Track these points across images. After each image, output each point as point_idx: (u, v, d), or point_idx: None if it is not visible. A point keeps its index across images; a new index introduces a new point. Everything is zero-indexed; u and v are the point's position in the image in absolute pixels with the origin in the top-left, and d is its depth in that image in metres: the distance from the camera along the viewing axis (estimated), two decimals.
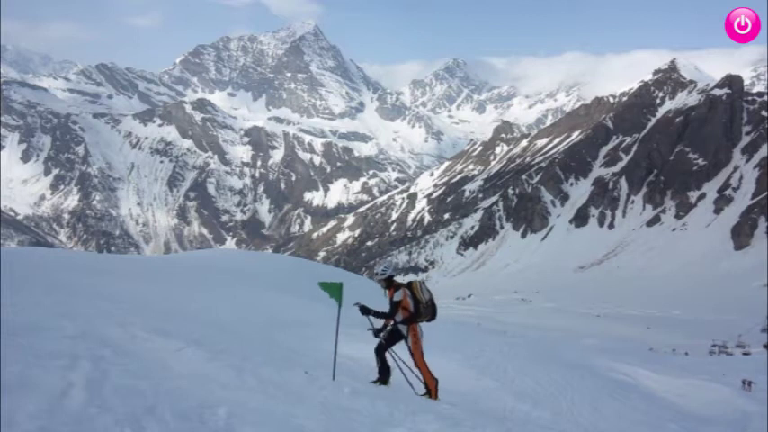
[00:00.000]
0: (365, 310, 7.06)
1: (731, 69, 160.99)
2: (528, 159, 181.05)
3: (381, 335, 6.95)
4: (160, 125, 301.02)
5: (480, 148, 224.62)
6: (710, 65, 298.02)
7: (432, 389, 6.99)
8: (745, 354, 42.42)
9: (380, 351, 7.01)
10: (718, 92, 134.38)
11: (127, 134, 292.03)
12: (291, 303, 15.30)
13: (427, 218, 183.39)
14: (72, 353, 4.55)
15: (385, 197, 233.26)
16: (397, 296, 6.83)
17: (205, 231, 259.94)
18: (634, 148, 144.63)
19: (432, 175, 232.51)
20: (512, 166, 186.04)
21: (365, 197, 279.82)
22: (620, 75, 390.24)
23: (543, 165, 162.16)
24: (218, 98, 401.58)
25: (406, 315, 6.89)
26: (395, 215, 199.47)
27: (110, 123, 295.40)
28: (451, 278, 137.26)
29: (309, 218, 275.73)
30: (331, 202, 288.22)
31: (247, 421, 4.01)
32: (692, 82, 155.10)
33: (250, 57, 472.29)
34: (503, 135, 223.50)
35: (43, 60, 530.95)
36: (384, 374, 7.04)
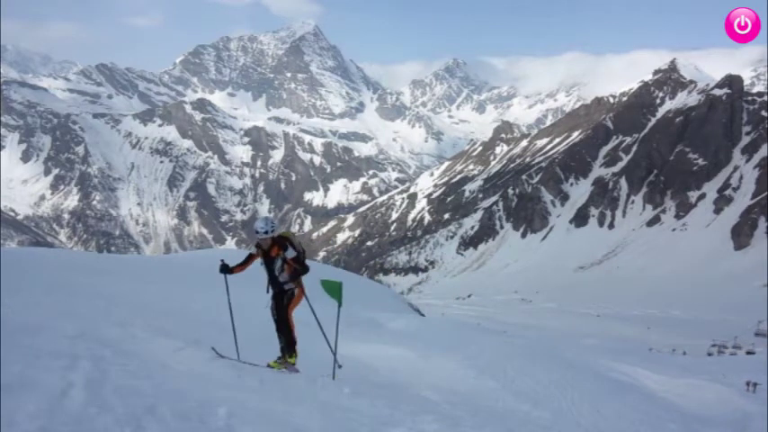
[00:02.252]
0: (226, 269, 6.70)
1: (731, 69, 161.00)
2: (528, 159, 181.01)
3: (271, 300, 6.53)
4: (160, 125, 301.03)
5: (480, 148, 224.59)
6: (710, 65, 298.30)
7: (293, 346, 6.60)
8: (749, 353, 42.46)
9: (285, 319, 6.51)
10: (718, 92, 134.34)
11: (127, 134, 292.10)
12: None
13: (427, 218, 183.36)
14: (72, 353, 4.55)
15: (385, 197, 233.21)
16: (291, 253, 6.40)
17: (205, 231, 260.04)
18: (634, 148, 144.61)
19: (432, 175, 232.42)
20: (512, 166, 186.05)
21: (365, 197, 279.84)
22: (620, 75, 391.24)
23: (543, 165, 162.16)
24: (218, 98, 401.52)
25: (292, 271, 6.48)
26: (395, 215, 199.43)
27: (110, 123, 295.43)
28: (451, 278, 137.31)
29: (309, 218, 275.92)
30: (331, 202, 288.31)
31: (247, 421, 4.01)
32: (692, 82, 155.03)
33: (250, 57, 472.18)
34: (503, 135, 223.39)
35: (43, 60, 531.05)
36: (292, 347, 6.54)
